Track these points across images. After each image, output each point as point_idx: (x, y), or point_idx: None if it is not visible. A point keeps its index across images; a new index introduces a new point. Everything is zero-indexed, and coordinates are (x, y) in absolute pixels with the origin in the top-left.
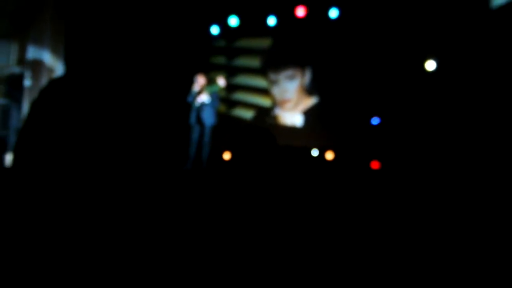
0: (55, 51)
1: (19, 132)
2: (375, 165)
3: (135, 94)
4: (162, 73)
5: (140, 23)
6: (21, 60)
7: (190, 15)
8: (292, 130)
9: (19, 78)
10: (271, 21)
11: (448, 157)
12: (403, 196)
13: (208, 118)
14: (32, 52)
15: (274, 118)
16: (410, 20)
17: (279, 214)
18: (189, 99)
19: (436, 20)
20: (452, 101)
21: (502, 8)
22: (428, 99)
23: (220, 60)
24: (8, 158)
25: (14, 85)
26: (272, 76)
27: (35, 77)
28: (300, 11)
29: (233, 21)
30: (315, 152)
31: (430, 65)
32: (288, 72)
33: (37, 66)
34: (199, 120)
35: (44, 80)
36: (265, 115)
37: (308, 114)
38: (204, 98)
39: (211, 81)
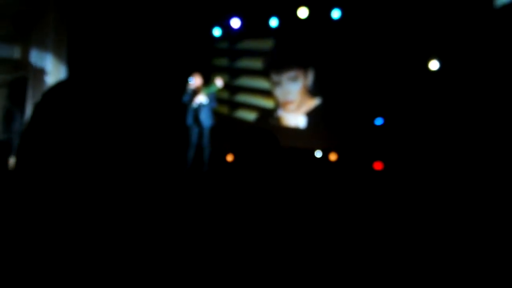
0: (57, 54)
1: (21, 135)
2: (378, 166)
3: (138, 98)
4: (164, 76)
5: (142, 26)
6: (24, 64)
7: (192, 17)
8: (295, 131)
9: (22, 81)
10: (273, 22)
11: (453, 158)
12: (407, 198)
13: (206, 119)
14: (34, 56)
15: (277, 119)
16: (413, 19)
17: (282, 216)
18: (185, 98)
19: (440, 19)
20: (456, 101)
21: (505, 7)
22: (432, 99)
23: (223, 62)
24: (12, 161)
25: (17, 88)
26: (275, 77)
27: (38, 81)
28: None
29: (235, 22)
30: (318, 154)
31: (434, 65)
32: (291, 73)
33: (39, 69)
34: (197, 121)
35: (46, 84)
36: (268, 116)
37: (311, 115)
38: (201, 98)
39: (209, 82)
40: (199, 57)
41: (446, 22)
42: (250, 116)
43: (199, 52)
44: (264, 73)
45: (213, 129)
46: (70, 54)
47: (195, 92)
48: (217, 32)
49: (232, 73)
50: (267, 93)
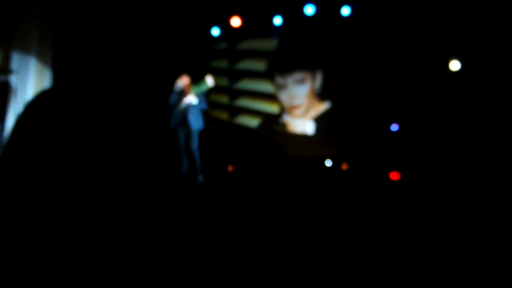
0: (42, 58)
1: (2, 151)
2: (394, 176)
3: (127, 107)
4: (156, 80)
5: (132, 27)
6: (4, 68)
7: (189, 16)
8: (302, 138)
9: (3, 87)
10: (277, 20)
11: (477, 167)
12: (426, 210)
13: (195, 121)
14: (16, 60)
15: (283, 125)
16: (431, 16)
17: (291, 236)
18: (171, 99)
19: (458, 15)
20: (479, 104)
21: None
22: (453, 103)
23: (222, 63)
24: None
25: None
26: (280, 80)
27: (20, 87)
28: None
29: (235, 21)
30: (328, 163)
31: (455, 65)
32: (297, 75)
33: (22, 75)
34: (184, 123)
35: (30, 90)
36: (273, 122)
37: (320, 121)
38: (191, 99)
39: (199, 80)
40: (196, 59)
41: (468, 16)
42: (252, 122)
43: (196, 53)
44: (267, 75)
45: (212, 136)
46: (55, 59)
47: (184, 92)
48: (215, 31)
49: (232, 76)
50: (271, 97)
